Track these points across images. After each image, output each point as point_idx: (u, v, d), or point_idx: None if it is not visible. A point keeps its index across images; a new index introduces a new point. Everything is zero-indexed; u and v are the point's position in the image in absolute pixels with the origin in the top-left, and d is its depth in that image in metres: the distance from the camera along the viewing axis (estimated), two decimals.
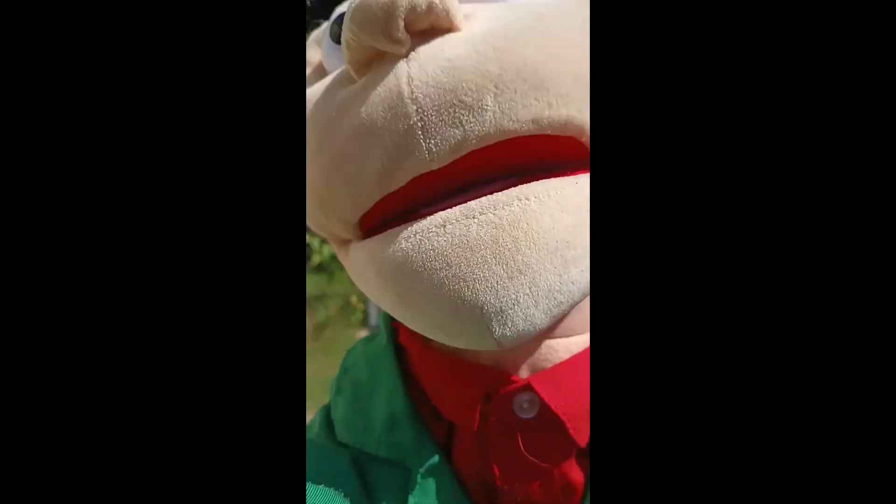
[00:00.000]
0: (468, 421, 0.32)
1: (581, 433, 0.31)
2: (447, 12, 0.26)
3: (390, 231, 0.28)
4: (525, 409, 0.31)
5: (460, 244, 0.26)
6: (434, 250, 0.26)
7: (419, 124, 0.26)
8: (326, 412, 0.38)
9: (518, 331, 0.26)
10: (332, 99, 0.29)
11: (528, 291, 0.26)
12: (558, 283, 0.26)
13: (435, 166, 0.26)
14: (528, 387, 0.31)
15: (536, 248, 0.26)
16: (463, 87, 0.25)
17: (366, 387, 0.36)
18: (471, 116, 0.26)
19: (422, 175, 0.27)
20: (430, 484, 0.32)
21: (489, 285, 0.25)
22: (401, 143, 0.26)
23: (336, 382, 0.38)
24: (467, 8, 0.28)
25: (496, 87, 0.26)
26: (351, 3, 0.26)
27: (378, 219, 0.29)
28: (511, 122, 0.26)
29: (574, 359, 0.32)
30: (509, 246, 0.25)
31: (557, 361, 0.32)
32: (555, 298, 0.26)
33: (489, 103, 0.26)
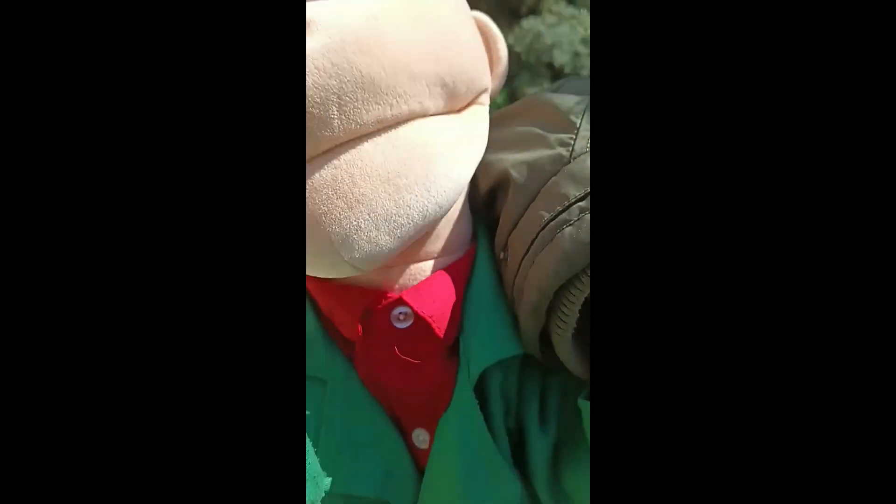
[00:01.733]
0: (353, 333, 0.37)
1: (447, 333, 0.36)
2: None
3: None
4: (401, 320, 0.36)
5: (307, 188, 0.30)
6: None
7: None
8: None
9: (365, 252, 0.31)
10: None
11: (367, 218, 0.30)
12: (394, 208, 0.31)
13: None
14: (401, 300, 0.35)
15: (370, 180, 0.30)
16: (309, 101, 0.29)
17: None
18: (320, 125, 0.29)
19: None
20: (343, 391, 0.37)
21: (332, 217, 0.30)
22: None
23: None
24: (309, 13, 0.30)
25: (339, 98, 0.29)
26: None
27: None
28: (357, 126, 0.30)
29: (439, 273, 0.37)
30: (346, 181, 0.30)
31: (426, 275, 0.36)
32: (394, 221, 0.31)
33: (334, 113, 0.29)
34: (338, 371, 0.37)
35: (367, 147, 0.31)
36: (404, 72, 0.30)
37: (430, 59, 0.32)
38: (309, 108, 0.29)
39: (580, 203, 0.31)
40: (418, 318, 0.35)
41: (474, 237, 0.39)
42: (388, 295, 0.36)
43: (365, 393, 0.37)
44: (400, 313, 0.36)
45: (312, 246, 0.31)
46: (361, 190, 0.30)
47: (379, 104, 0.30)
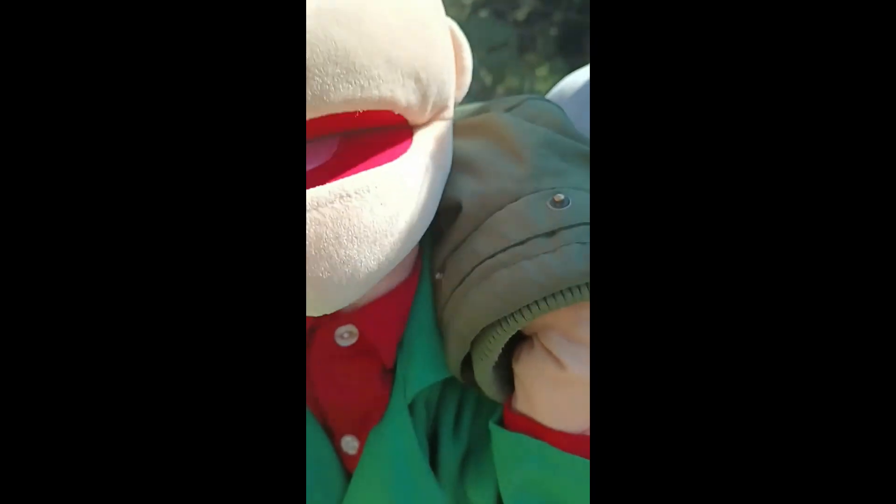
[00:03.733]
0: None
1: (390, 356, 0.37)
2: None
3: None
4: (345, 339, 0.36)
5: None
6: None
7: None
8: None
9: (336, 306, 0.30)
10: None
11: (349, 280, 0.29)
12: (376, 267, 0.30)
13: None
14: (348, 320, 0.36)
15: (358, 242, 0.29)
16: None
17: None
18: None
19: None
20: None
21: (312, 279, 0.28)
22: None
23: None
24: None
25: (308, 70, 0.26)
26: None
27: None
28: (324, 104, 0.27)
29: (390, 294, 0.36)
30: (332, 242, 0.28)
31: (378, 295, 0.36)
32: (374, 278, 0.30)
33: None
34: None
35: (355, 203, 0.29)
36: (381, 54, 0.28)
37: (409, 49, 0.30)
38: None
39: (518, 247, 0.32)
40: (363, 340, 0.36)
41: (421, 250, 0.40)
42: (338, 313, 0.35)
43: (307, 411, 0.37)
44: (345, 332, 0.36)
45: None
46: (347, 252, 0.28)
47: (350, 83, 0.28)
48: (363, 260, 0.29)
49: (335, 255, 0.28)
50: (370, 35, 0.28)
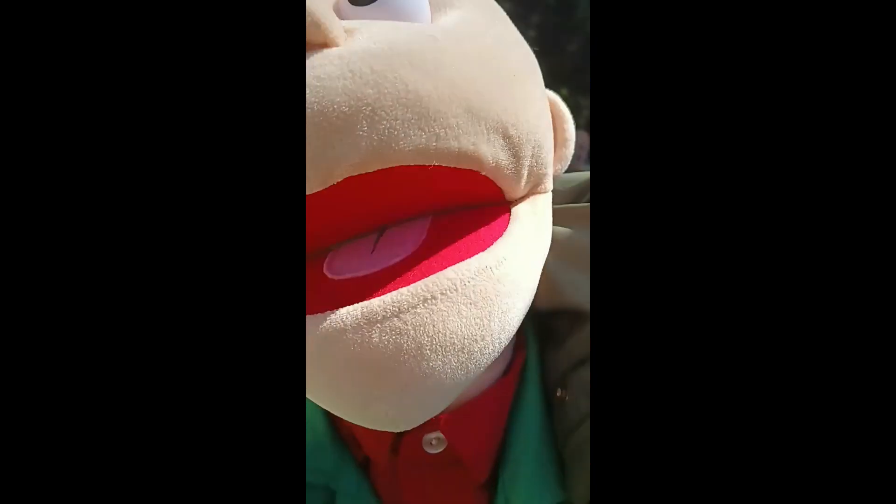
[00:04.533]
0: (378, 456, 0.34)
1: (481, 471, 0.33)
2: (318, 26, 0.23)
3: None
4: (433, 446, 0.33)
5: (361, 357, 0.25)
6: (334, 360, 0.25)
7: None
8: None
9: (423, 419, 0.27)
10: None
11: (432, 393, 0.26)
12: (464, 377, 0.26)
13: (311, 190, 0.24)
14: (434, 426, 0.32)
15: (443, 351, 0.25)
16: (333, 108, 0.23)
17: None
18: (343, 142, 0.23)
19: (318, 205, 0.25)
20: None
21: (391, 401, 0.25)
22: None
23: None
24: (352, 23, 0.26)
25: (373, 112, 0.23)
26: None
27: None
28: (391, 151, 0.24)
29: (481, 398, 0.33)
30: (413, 353, 0.25)
31: (466, 398, 0.33)
32: (461, 388, 0.27)
33: (364, 129, 0.23)
34: (349, 482, 0.34)
35: (441, 307, 0.25)
36: (461, 101, 0.25)
37: (496, 101, 0.26)
38: (330, 119, 0.23)
39: None
40: (451, 447, 0.33)
41: (520, 338, 0.35)
42: None
43: None
44: (433, 438, 0.33)
45: (361, 417, 0.27)
46: (431, 364, 0.25)
47: (423, 130, 0.24)
48: (448, 371, 0.25)
49: (416, 369, 0.25)
50: (449, 81, 0.25)
